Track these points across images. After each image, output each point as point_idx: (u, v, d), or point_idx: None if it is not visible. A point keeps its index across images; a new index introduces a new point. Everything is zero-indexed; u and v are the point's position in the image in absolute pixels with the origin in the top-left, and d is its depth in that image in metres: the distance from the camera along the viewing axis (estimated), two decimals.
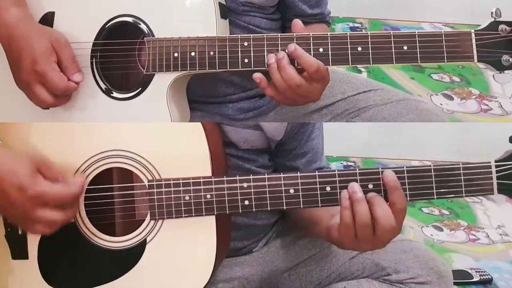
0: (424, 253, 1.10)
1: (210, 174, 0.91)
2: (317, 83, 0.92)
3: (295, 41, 0.92)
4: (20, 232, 0.93)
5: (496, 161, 0.88)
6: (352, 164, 2.15)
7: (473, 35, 0.91)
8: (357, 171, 0.89)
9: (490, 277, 1.62)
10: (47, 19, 0.99)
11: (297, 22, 0.93)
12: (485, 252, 1.83)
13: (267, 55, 0.92)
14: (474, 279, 1.61)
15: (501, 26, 0.90)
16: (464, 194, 0.88)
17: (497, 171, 0.88)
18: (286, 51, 0.91)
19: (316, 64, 0.90)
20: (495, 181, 0.88)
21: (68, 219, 0.87)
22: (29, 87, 0.93)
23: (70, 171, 0.92)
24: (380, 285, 1.08)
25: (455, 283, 1.15)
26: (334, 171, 0.89)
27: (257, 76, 0.92)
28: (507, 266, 1.72)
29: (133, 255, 0.92)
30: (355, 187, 0.87)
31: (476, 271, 1.64)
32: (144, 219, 0.92)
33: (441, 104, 2.07)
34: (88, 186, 0.92)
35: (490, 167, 0.88)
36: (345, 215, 0.86)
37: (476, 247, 1.85)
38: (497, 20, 0.90)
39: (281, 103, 1.05)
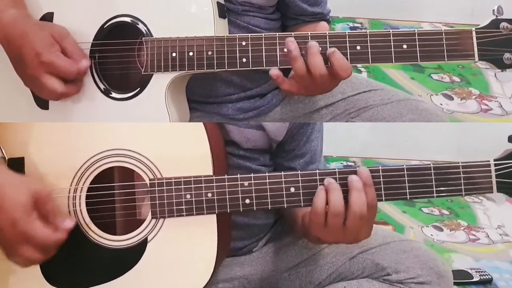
0: (424, 253, 1.10)
1: (211, 173, 0.91)
2: (338, 81, 0.93)
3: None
4: None
5: (495, 160, 0.89)
6: (352, 164, 2.15)
7: (474, 33, 0.90)
8: (356, 169, 0.89)
9: (490, 277, 1.62)
10: (46, 20, 0.99)
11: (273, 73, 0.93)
12: (485, 252, 1.83)
13: (265, 54, 0.92)
14: (474, 279, 1.61)
15: (503, 24, 0.90)
16: (463, 193, 0.89)
17: (496, 170, 0.88)
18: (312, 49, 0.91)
19: (350, 70, 0.91)
20: (494, 179, 0.88)
21: (45, 259, 0.88)
22: (37, 80, 0.93)
23: (72, 170, 0.92)
24: (380, 285, 1.08)
25: (455, 283, 1.15)
26: (334, 169, 0.89)
27: (275, 73, 0.92)
28: (507, 266, 1.72)
29: (134, 254, 0.92)
30: (331, 179, 0.88)
31: (476, 271, 1.63)
32: (145, 218, 0.92)
33: (441, 104, 2.07)
34: (90, 185, 0.92)
35: (489, 165, 0.89)
36: (318, 202, 0.87)
37: (476, 247, 1.85)
38: (498, 17, 0.90)
39: (293, 95, 1.06)
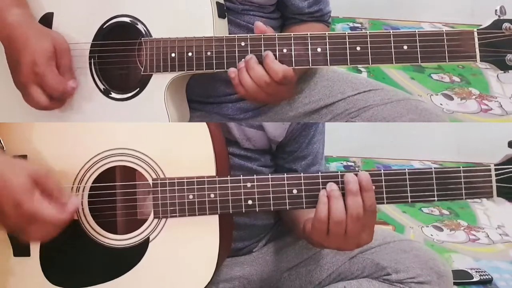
0: (424, 253, 1.10)
1: (214, 173, 0.92)
2: (284, 86, 0.94)
3: (292, 41, 0.92)
4: None
5: (495, 165, 0.89)
6: (352, 164, 2.15)
7: (475, 34, 0.90)
8: (359, 172, 0.89)
9: (490, 277, 1.62)
10: (46, 20, 0.99)
11: (258, 25, 0.94)
12: (485, 252, 1.83)
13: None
14: (474, 279, 1.61)
15: (505, 25, 0.89)
16: (464, 197, 0.90)
17: (496, 175, 0.89)
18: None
19: (282, 72, 0.91)
20: (494, 184, 0.89)
21: (60, 231, 0.87)
22: (25, 88, 0.93)
23: (76, 169, 0.92)
24: (380, 284, 1.08)
25: (455, 283, 1.15)
26: (337, 172, 0.90)
27: (232, 71, 0.93)
28: (507, 266, 1.72)
29: (136, 253, 0.92)
30: (333, 185, 0.88)
31: (476, 271, 1.63)
32: (148, 218, 0.92)
33: (441, 104, 2.07)
34: (92, 183, 0.93)
35: (489, 170, 0.89)
36: (321, 210, 0.88)
37: (476, 247, 1.85)
38: (500, 18, 0.89)
39: (253, 102, 1.08)
